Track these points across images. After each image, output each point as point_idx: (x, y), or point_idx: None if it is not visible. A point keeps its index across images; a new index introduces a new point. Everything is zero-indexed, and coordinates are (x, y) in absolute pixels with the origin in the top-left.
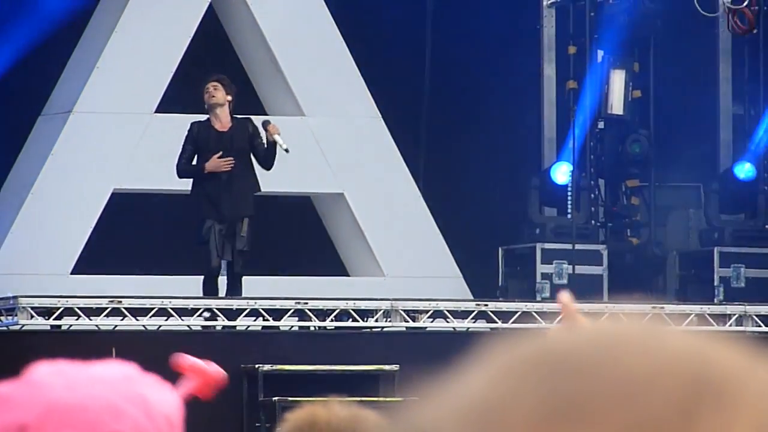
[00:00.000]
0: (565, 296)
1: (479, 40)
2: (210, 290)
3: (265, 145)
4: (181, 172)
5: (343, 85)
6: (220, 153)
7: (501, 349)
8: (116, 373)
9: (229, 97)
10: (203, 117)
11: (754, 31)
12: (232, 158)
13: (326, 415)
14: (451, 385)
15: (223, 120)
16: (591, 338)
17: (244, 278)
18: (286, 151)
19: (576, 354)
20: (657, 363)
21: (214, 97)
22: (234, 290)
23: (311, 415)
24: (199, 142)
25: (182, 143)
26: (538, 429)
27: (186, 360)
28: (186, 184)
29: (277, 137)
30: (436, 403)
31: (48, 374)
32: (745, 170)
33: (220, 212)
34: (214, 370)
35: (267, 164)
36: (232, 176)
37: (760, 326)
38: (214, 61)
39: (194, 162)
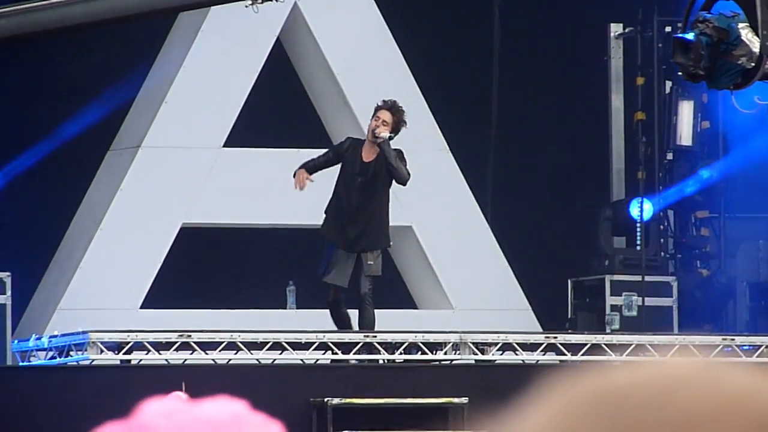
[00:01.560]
0: None
1: (547, 71)
2: (337, 319)
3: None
4: (304, 164)
5: (411, 117)
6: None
7: (562, 385)
8: (225, 414)
9: (393, 135)
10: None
11: None
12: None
13: None
14: (515, 421)
15: (371, 153)
16: (651, 375)
17: (313, 311)
18: (390, 138)
19: (636, 391)
20: (719, 400)
21: (377, 136)
22: (362, 312)
23: None
24: (344, 159)
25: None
26: None
27: None
28: (250, 217)
29: (381, 135)
30: None
31: (156, 415)
32: None
33: (348, 241)
34: None
35: (398, 179)
36: (365, 204)
37: None
38: (282, 94)
39: (334, 180)
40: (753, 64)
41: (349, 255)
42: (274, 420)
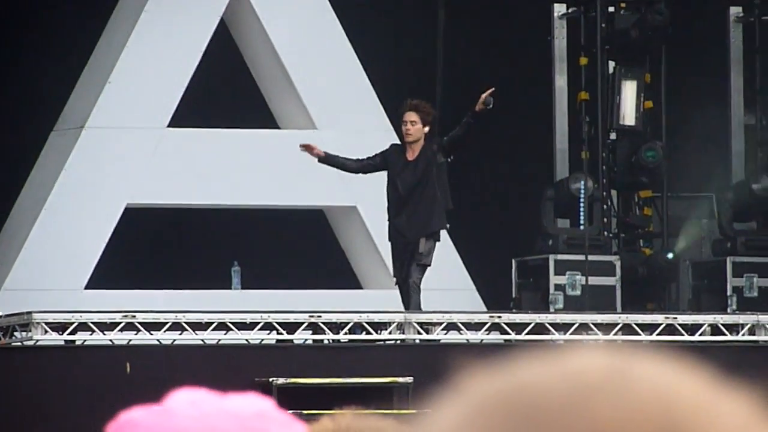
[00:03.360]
0: None
1: (491, 51)
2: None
3: (467, 120)
4: (339, 164)
5: (355, 99)
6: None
7: (475, 385)
8: (251, 408)
9: (426, 129)
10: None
11: None
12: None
13: (346, 427)
14: (426, 417)
15: (415, 149)
16: (561, 380)
17: (257, 291)
18: (492, 106)
19: (546, 398)
20: (624, 408)
21: (410, 135)
22: (409, 299)
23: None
24: (389, 165)
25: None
26: None
27: None
28: (194, 198)
29: (484, 99)
30: None
31: (183, 403)
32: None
33: (401, 232)
34: None
35: (470, 139)
36: (413, 194)
37: None
38: (226, 74)
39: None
40: None
41: (404, 247)
42: (299, 420)
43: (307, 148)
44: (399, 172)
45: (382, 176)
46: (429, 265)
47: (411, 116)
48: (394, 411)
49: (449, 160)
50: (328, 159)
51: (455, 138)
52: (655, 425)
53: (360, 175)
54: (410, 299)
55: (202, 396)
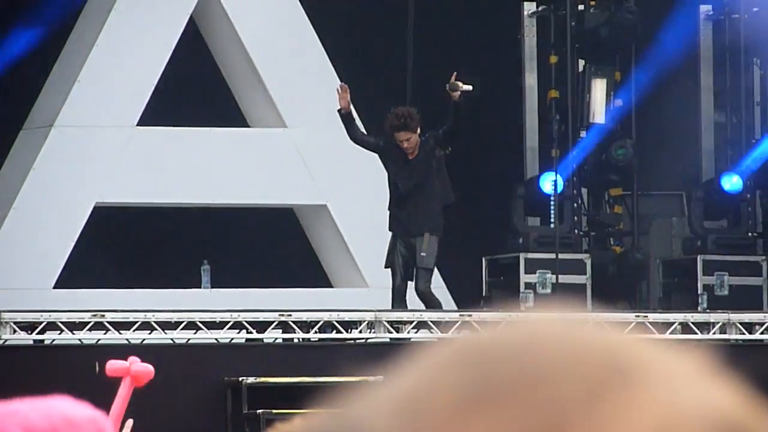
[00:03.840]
0: None
1: (461, 50)
2: (399, 306)
3: (451, 111)
4: (351, 129)
5: (325, 96)
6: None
7: (434, 345)
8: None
9: (418, 132)
10: None
11: None
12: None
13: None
14: (394, 375)
15: (414, 149)
16: (513, 331)
17: (227, 290)
18: (471, 90)
19: (497, 344)
20: (569, 351)
21: (410, 150)
22: (428, 307)
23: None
24: (388, 159)
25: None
26: (457, 411)
27: (111, 366)
28: (164, 196)
29: (464, 88)
30: (370, 397)
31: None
32: (732, 183)
33: (402, 226)
34: (139, 368)
35: (457, 125)
36: (413, 191)
37: (743, 334)
38: (196, 73)
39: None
40: None
41: (407, 244)
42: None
43: (343, 92)
44: (399, 170)
45: (353, 175)
46: (432, 269)
47: (403, 135)
48: None
49: (447, 152)
50: (347, 116)
51: (448, 130)
52: (596, 364)
53: (329, 173)
54: (429, 307)
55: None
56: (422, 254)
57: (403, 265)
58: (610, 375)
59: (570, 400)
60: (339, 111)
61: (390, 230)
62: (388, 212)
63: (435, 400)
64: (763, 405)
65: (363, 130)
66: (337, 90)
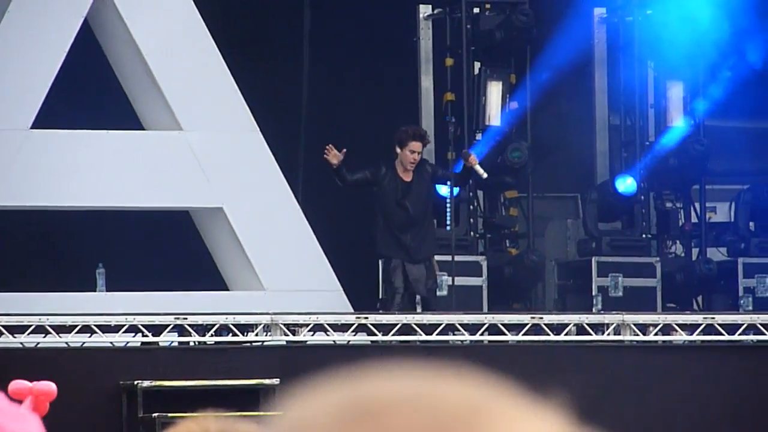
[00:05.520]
0: None
1: (356, 52)
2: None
3: (460, 171)
4: (341, 177)
5: (220, 99)
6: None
7: (331, 386)
8: None
9: (487, 176)
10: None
11: None
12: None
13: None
14: (281, 416)
15: (410, 171)
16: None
17: (122, 294)
18: (486, 179)
19: (382, 407)
20: (431, 416)
21: (414, 163)
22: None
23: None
24: (384, 185)
25: (364, 169)
26: None
27: (14, 386)
28: (59, 200)
29: (477, 167)
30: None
31: None
32: (626, 184)
33: (407, 251)
34: (42, 386)
35: (462, 185)
36: (415, 218)
37: (637, 335)
38: (90, 75)
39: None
40: None
41: (411, 272)
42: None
43: (331, 152)
44: (404, 195)
45: (249, 178)
46: (436, 288)
47: (418, 146)
48: (261, 413)
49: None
50: (338, 169)
51: (449, 180)
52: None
53: (225, 176)
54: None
55: None
56: (431, 280)
57: (406, 290)
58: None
59: None
60: (331, 167)
61: (388, 256)
62: (381, 237)
63: None
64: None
65: (346, 172)
66: (326, 152)
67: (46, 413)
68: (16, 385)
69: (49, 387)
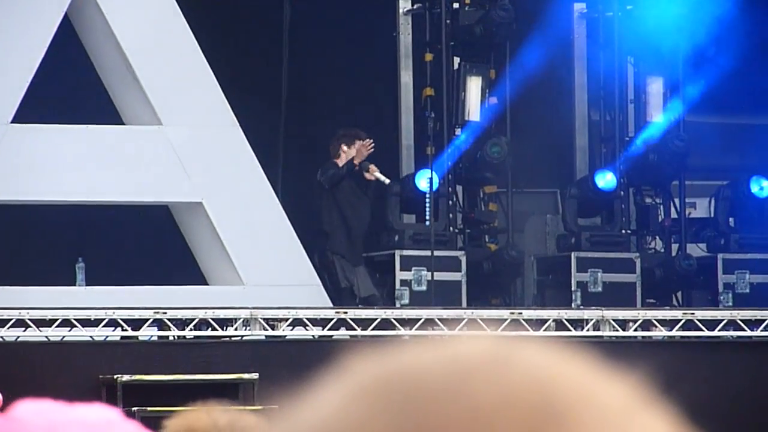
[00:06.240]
0: None
1: (336, 47)
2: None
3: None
4: (331, 177)
5: (200, 94)
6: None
7: (355, 367)
8: (98, 418)
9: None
10: None
11: None
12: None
13: (206, 420)
14: (306, 402)
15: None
16: (442, 364)
17: (102, 288)
18: (389, 185)
19: (427, 381)
20: (503, 393)
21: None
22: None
23: (190, 421)
24: (346, 187)
25: (328, 165)
26: None
27: None
28: (39, 194)
29: (378, 175)
30: (290, 422)
31: (31, 412)
32: (606, 180)
33: (353, 255)
34: None
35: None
36: (366, 219)
37: (617, 330)
38: (71, 70)
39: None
40: None
41: (352, 274)
42: (146, 428)
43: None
44: (360, 199)
45: (228, 172)
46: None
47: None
48: (240, 407)
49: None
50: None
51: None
52: (531, 408)
53: (205, 171)
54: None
55: (48, 406)
56: (361, 285)
57: (347, 277)
58: (545, 418)
59: None
60: (353, 163)
61: (344, 256)
62: (343, 237)
63: None
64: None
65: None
66: (363, 145)
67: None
68: None
69: None
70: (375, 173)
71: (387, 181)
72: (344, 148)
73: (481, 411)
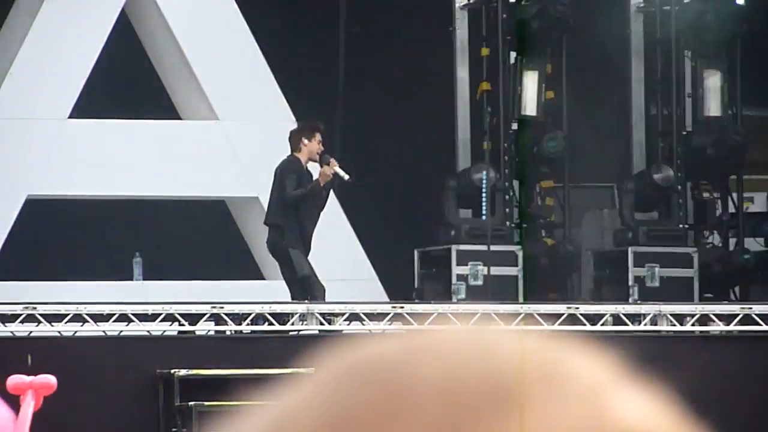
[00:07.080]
0: None
1: (392, 43)
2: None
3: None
4: (296, 198)
5: (257, 89)
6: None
7: (324, 359)
8: None
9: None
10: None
11: None
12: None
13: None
14: (283, 391)
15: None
16: (399, 346)
17: (159, 282)
18: (348, 180)
19: (378, 362)
20: (451, 371)
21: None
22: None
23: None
24: (303, 180)
25: (290, 175)
26: None
27: (12, 381)
28: (96, 189)
29: (338, 170)
30: (253, 413)
31: None
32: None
33: (306, 245)
34: (41, 380)
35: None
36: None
37: (674, 325)
38: (128, 65)
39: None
40: None
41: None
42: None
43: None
44: (319, 195)
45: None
46: None
47: (319, 137)
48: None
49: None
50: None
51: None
52: (478, 385)
53: (261, 166)
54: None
55: None
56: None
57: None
58: (491, 400)
59: (434, 429)
60: (318, 184)
61: (301, 248)
62: (304, 228)
63: (300, 423)
64: (682, 414)
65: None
66: (329, 163)
67: (81, 397)
68: (15, 380)
69: (48, 381)
70: (335, 167)
71: (346, 177)
72: (305, 141)
73: (417, 390)
